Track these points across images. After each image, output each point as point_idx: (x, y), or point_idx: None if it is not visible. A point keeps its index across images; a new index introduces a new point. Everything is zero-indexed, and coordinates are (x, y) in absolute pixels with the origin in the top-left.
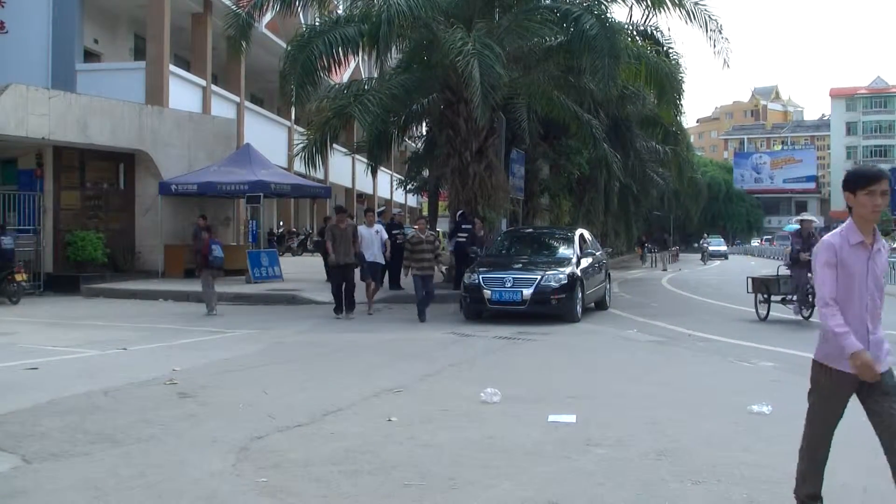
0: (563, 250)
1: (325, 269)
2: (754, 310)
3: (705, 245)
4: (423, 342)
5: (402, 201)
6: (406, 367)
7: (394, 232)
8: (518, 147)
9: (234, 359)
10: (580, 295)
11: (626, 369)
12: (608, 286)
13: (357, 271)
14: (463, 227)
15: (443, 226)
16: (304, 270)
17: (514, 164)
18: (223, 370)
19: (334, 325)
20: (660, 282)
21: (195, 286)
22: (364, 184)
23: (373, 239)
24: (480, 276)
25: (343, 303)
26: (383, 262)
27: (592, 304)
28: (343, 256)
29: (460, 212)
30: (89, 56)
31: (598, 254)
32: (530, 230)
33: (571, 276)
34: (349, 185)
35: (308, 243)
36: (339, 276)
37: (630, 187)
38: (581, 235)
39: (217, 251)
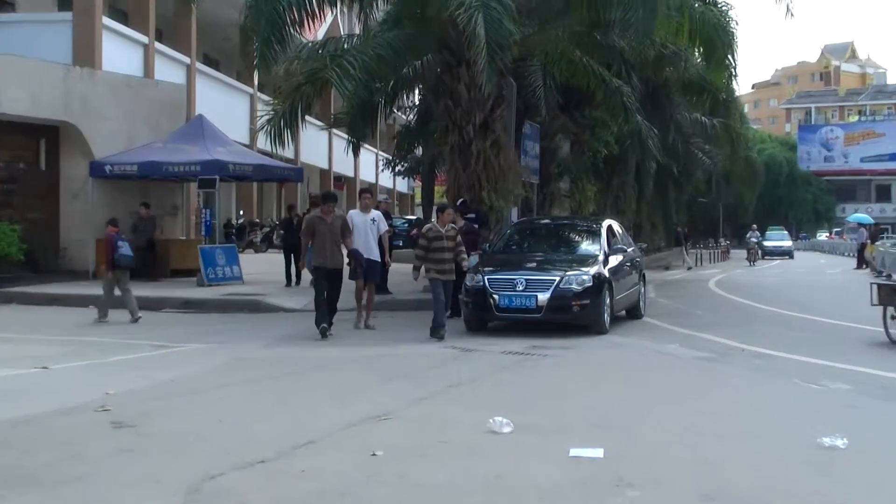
0: (588, 246)
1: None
2: (883, 329)
3: (752, 240)
4: (415, 359)
5: (390, 186)
6: (395, 388)
7: None
8: (532, 120)
9: (182, 380)
10: (608, 300)
11: (666, 393)
12: (642, 289)
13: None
14: (465, 217)
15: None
16: (269, 270)
17: (528, 140)
18: (169, 394)
19: (306, 339)
20: (706, 284)
21: (136, 290)
22: (343, 164)
23: (367, 230)
24: (486, 278)
25: (322, 312)
26: (380, 261)
27: (623, 312)
28: (330, 259)
29: (461, 199)
30: (1, 5)
31: (629, 250)
32: (547, 221)
33: (597, 278)
34: (325, 165)
35: (275, 237)
36: (324, 282)
37: (669, 168)
38: (609, 228)
39: (125, 249)
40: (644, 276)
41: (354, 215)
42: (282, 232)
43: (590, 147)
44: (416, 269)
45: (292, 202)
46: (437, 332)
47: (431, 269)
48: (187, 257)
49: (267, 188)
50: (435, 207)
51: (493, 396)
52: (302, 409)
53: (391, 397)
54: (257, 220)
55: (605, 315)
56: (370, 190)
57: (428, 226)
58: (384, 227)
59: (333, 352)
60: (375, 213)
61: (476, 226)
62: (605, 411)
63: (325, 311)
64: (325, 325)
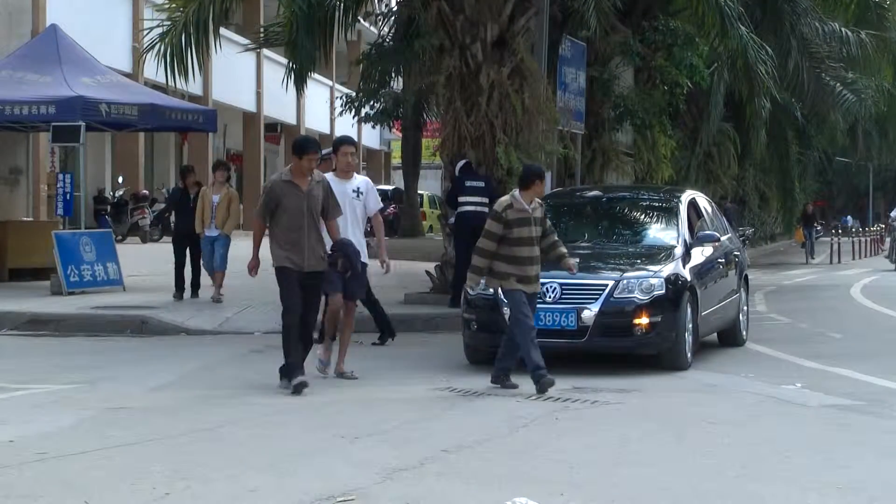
0: (658, 232)
1: (181, 273)
2: None
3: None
4: (394, 406)
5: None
6: (362, 453)
7: None
8: (575, 36)
9: (27, 441)
10: (690, 317)
11: (782, 461)
12: (744, 301)
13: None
14: (468, 185)
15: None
16: (164, 270)
17: (567, 67)
18: (5, 463)
19: (226, 375)
20: (847, 291)
21: None
22: (279, 105)
23: (349, 208)
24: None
25: (297, 348)
26: (363, 255)
27: (713, 336)
28: (309, 254)
29: (463, 161)
30: None
31: (724, 239)
32: (595, 194)
33: (674, 282)
34: (251, 107)
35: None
36: (297, 292)
37: (790, 111)
38: (692, 204)
39: None
40: (747, 279)
41: (332, 180)
42: (169, 210)
43: (665, 78)
44: (478, 272)
45: (187, 164)
46: (540, 380)
47: (509, 275)
48: (35, 250)
49: (161, 142)
50: (523, 178)
51: (509, 467)
52: (216, 487)
53: (356, 467)
54: (145, 193)
55: (687, 340)
56: (353, 142)
57: (504, 201)
58: (375, 203)
59: (266, 397)
60: (361, 181)
61: (486, 200)
62: (688, 490)
63: (300, 346)
64: (301, 377)
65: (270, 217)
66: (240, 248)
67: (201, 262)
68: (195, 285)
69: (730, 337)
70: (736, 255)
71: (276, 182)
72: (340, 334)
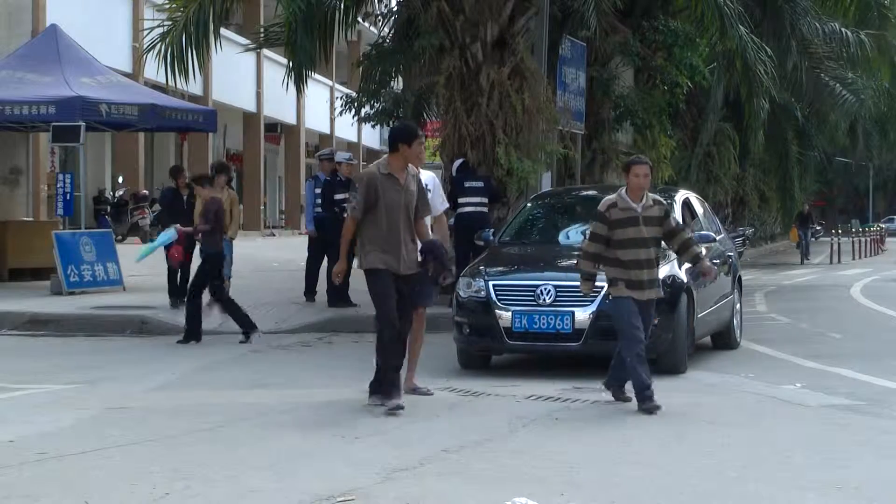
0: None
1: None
2: None
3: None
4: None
5: (353, 138)
6: (362, 453)
7: (337, 196)
8: (575, 36)
9: (27, 441)
10: (688, 320)
11: (782, 461)
12: (737, 303)
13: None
14: (467, 185)
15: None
16: (164, 270)
17: (568, 67)
18: (4, 465)
19: (226, 375)
20: (847, 291)
21: None
22: (280, 105)
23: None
24: (490, 285)
25: (395, 363)
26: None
27: (707, 338)
28: (406, 255)
29: (460, 160)
30: None
31: (718, 239)
32: (589, 193)
33: (671, 284)
34: (251, 107)
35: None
36: (394, 298)
37: (790, 111)
38: (686, 204)
39: None
40: (741, 280)
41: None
42: (156, 209)
43: (665, 78)
44: (588, 278)
45: (177, 164)
46: (644, 402)
47: (617, 280)
48: (35, 250)
49: (161, 142)
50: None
51: (509, 467)
52: (216, 487)
53: (356, 467)
54: (145, 193)
55: (685, 343)
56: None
57: (610, 199)
58: (441, 202)
59: (265, 397)
60: (427, 177)
61: (485, 200)
62: (685, 491)
63: (396, 361)
64: (398, 400)
65: (370, 213)
66: (238, 248)
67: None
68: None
69: (723, 339)
70: (730, 257)
71: (374, 175)
72: (410, 345)
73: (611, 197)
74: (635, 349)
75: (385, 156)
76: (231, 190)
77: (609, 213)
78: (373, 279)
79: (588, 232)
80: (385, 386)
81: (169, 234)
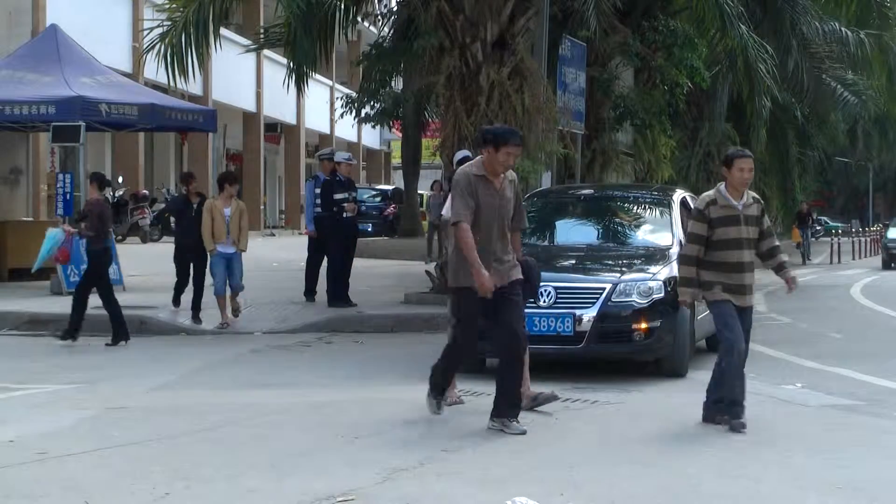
0: (652, 233)
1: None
2: None
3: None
4: (392, 407)
5: (353, 139)
6: (361, 453)
7: (337, 196)
8: (575, 36)
9: (27, 441)
10: (689, 322)
11: (782, 461)
12: None
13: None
14: None
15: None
16: (164, 270)
17: (568, 67)
18: (4, 464)
19: (226, 375)
20: (847, 291)
21: None
22: (280, 105)
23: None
24: None
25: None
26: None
27: (703, 341)
28: (503, 267)
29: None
30: None
31: None
32: (588, 191)
33: (673, 286)
34: (251, 107)
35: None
36: (477, 318)
37: (790, 111)
38: (683, 204)
39: None
40: None
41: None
42: (169, 213)
43: (665, 78)
44: (689, 283)
45: (187, 171)
46: (733, 419)
47: (712, 283)
48: (35, 250)
49: (161, 142)
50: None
51: (510, 468)
52: (216, 487)
53: (355, 466)
54: (145, 193)
55: (687, 346)
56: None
57: (707, 196)
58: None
59: (265, 397)
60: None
61: None
62: (686, 495)
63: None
64: (451, 400)
65: (472, 213)
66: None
67: (213, 284)
68: (196, 307)
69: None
70: None
71: (468, 174)
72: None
73: (708, 193)
74: (740, 370)
75: (478, 157)
76: (240, 201)
77: (708, 211)
78: (462, 298)
79: (686, 233)
80: (503, 407)
81: (56, 235)
